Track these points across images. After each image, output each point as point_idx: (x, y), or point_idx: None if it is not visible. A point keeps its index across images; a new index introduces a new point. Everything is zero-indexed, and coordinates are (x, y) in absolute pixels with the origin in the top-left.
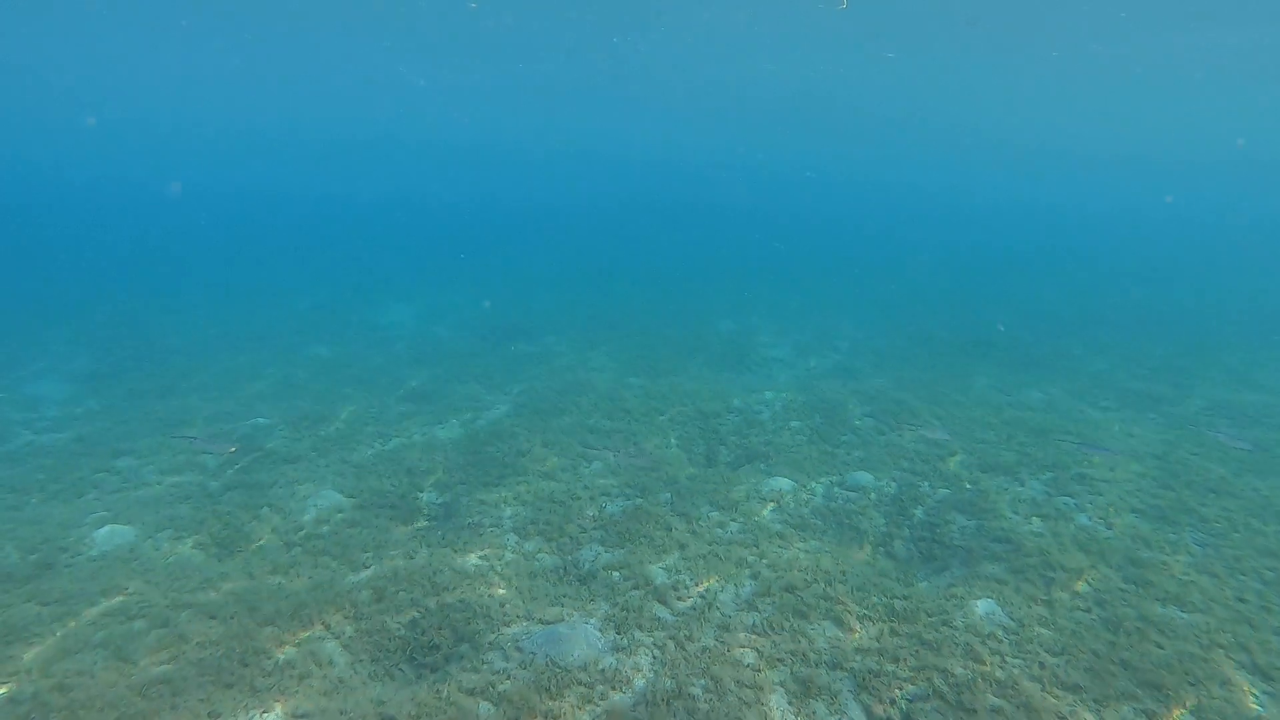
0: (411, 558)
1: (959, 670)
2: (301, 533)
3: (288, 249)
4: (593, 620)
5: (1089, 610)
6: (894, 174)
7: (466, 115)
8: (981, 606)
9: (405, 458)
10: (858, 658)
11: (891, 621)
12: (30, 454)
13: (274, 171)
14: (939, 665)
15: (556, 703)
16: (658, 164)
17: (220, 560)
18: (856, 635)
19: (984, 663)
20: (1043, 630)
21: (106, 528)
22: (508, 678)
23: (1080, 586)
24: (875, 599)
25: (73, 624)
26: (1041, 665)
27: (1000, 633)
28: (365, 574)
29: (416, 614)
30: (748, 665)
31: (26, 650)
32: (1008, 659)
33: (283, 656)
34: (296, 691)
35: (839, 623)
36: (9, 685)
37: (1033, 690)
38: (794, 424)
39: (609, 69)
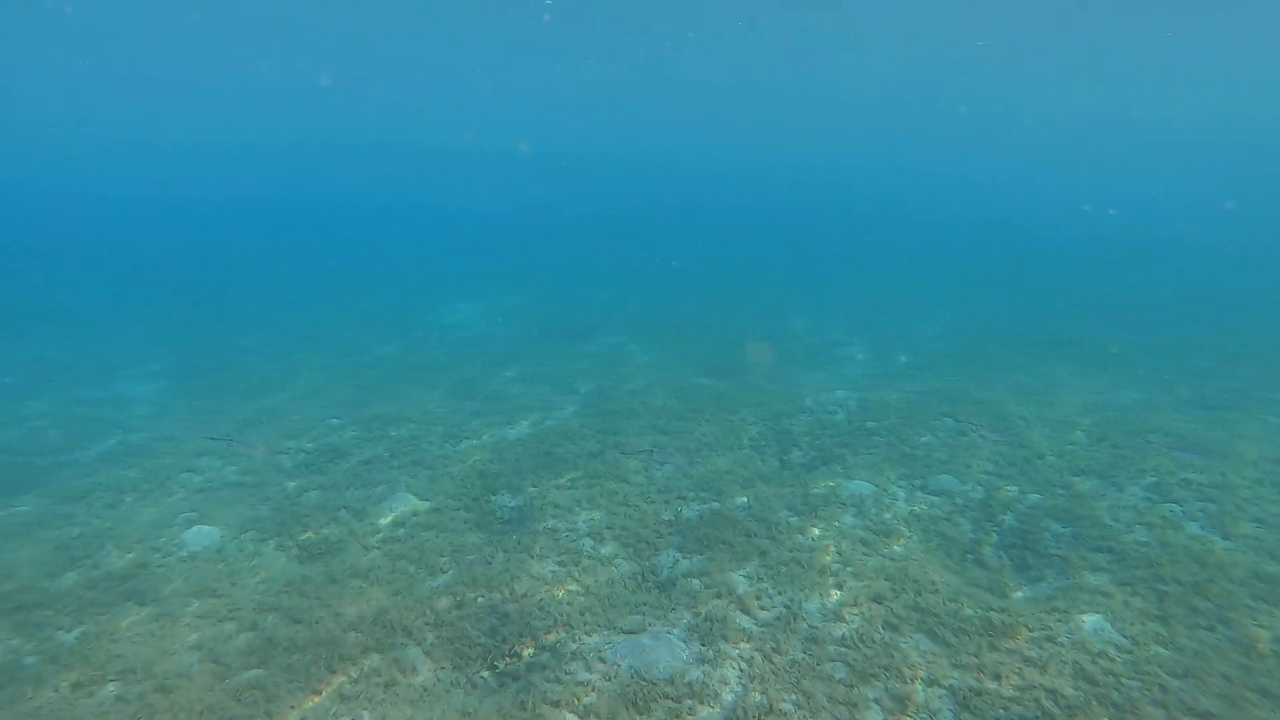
0: (489, 563)
1: (1069, 691)
2: (379, 536)
3: (351, 253)
4: (676, 630)
5: (1213, 629)
6: (963, 169)
7: (526, 119)
8: (1089, 622)
9: (476, 459)
10: (956, 674)
11: (990, 636)
12: (124, 452)
13: (335, 179)
14: (1046, 685)
15: (644, 718)
16: (719, 164)
17: (301, 562)
18: (953, 649)
19: (1097, 683)
20: (1161, 650)
21: (195, 528)
22: (592, 690)
23: (1199, 603)
24: (970, 611)
25: (169, 624)
26: (1164, 689)
27: (1112, 651)
28: (443, 579)
29: (496, 621)
30: (840, 680)
31: (130, 649)
32: (1124, 680)
33: (368, 663)
34: (383, 700)
35: (933, 636)
36: (117, 684)
37: (1157, 717)
38: (870, 424)
39: (667, 69)
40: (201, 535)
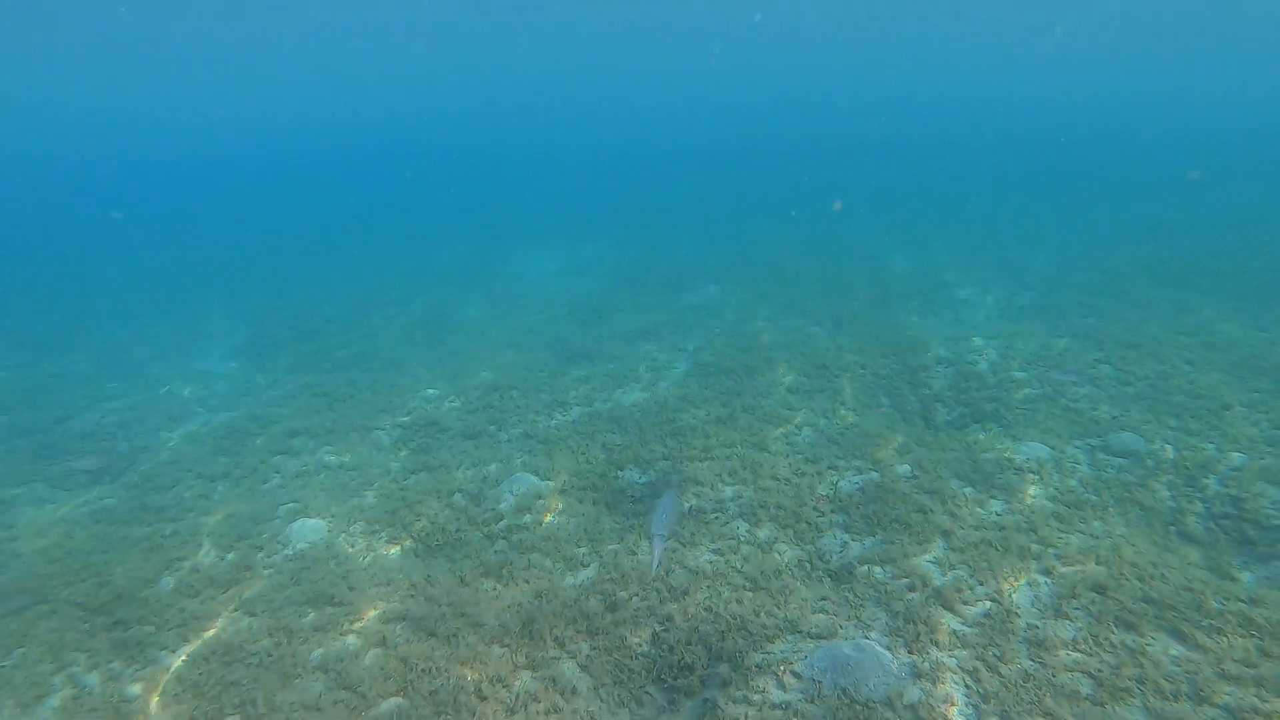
0: (634, 553)
1: None
2: (502, 523)
3: (413, 209)
4: (874, 635)
5: None
6: (1055, 82)
7: (598, 57)
8: None
9: (593, 429)
10: (1229, 689)
11: (1255, 636)
12: (209, 435)
13: (397, 133)
14: None
15: None
16: (794, 99)
17: (421, 558)
18: (1214, 656)
19: None
20: None
21: (299, 522)
22: (794, 715)
23: None
24: (1214, 603)
25: (286, 640)
26: None
27: None
28: (586, 574)
29: (658, 626)
30: (1088, 698)
31: (246, 673)
32: None
33: (520, 685)
34: None
35: (1181, 637)
36: (237, 718)
37: None
38: (1018, 375)
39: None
40: (306, 529)
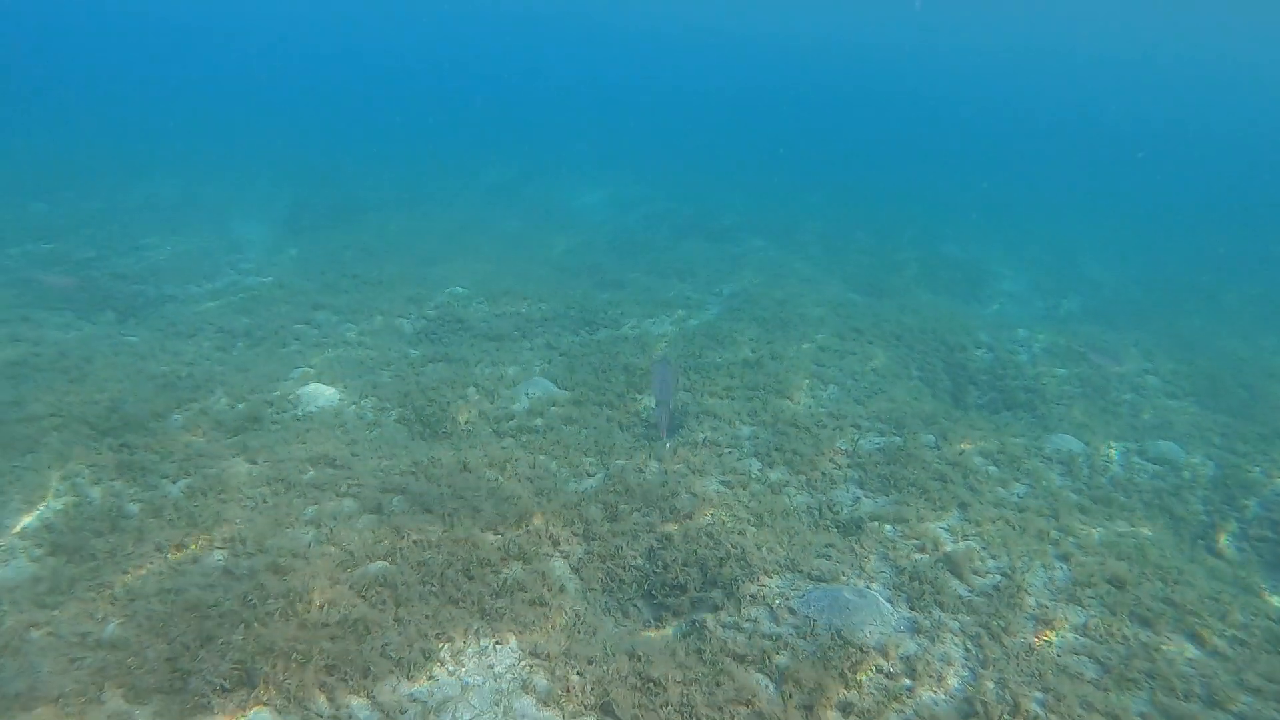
0: (642, 471)
1: None
2: (513, 422)
3: (463, 125)
4: (876, 587)
5: None
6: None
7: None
8: None
9: (618, 351)
10: (1243, 698)
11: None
12: (236, 294)
13: (463, 45)
14: None
15: (854, 692)
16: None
17: (427, 440)
18: (1233, 665)
19: None
20: None
21: (311, 385)
22: (785, 647)
23: None
24: (1238, 615)
25: (283, 491)
26: None
27: None
28: (591, 483)
29: (654, 542)
30: (1090, 681)
31: (240, 513)
32: None
33: (509, 573)
34: (532, 623)
35: (1200, 642)
36: (225, 551)
37: None
38: (1059, 371)
39: None
40: (319, 394)
